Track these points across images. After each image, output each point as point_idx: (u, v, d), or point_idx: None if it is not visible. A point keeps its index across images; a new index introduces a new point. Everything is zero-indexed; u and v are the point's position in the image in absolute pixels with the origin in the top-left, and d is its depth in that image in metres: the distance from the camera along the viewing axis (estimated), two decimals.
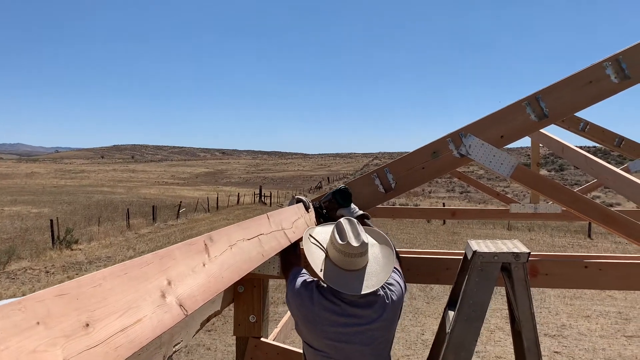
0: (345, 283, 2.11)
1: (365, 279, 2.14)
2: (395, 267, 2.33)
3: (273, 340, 3.00)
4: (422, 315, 10.08)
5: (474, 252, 2.02)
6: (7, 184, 68.61)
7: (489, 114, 2.74)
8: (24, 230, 23.56)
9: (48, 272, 14.37)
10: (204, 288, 1.22)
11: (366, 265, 2.18)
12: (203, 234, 1.40)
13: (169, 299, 1.05)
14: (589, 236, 23.06)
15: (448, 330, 2.08)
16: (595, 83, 2.53)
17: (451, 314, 2.16)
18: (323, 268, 2.17)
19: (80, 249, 18.13)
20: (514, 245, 2.11)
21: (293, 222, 2.38)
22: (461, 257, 2.39)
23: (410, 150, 2.83)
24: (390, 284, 2.24)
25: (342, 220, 2.24)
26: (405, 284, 2.35)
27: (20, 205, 36.43)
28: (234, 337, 2.76)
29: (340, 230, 2.18)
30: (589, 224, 22.35)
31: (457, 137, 2.68)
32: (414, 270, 2.62)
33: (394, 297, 2.20)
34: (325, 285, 2.16)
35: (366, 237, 2.18)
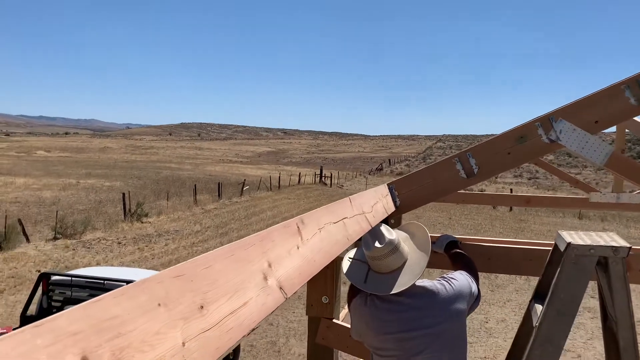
0: (382, 283, 2.09)
1: (401, 274, 2.10)
2: (469, 275, 2.27)
3: (342, 320, 3.00)
4: (486, 303, 9.85)
5: (568, 244, 1.90)
6: (82, 158, 72.35)
7: (582, 97, 2.57)
8: (98, 202, 24.82)
9: (120, 243, 15.08)
10: (299, 271, 1.20)
11: (405, 262, 2.12)
12: (295, 217, 1.38)
13: (270, 281, 1.04)
14: None
15: (535, 323, 1.99)
16: None
17: (538, 307, 2.07)
18: (367, 279, 2.15)
19: (149, 222, 18.90)
20: (611, 239, 1.98)
21: (372, 206, 2.34)
22: (545, 248, 2.27)
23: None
24: (454, 278, 2.19)
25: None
26: (478, 290, 2.27)
27: (94, 179, 38.34)
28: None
29: (364, 241, 2.14)
30: None
31: (546, 121, 2.54)
32: (495, 259, 2.52)
33: (450, 291, 2.14)
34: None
35: (391, 234, 2.13)
